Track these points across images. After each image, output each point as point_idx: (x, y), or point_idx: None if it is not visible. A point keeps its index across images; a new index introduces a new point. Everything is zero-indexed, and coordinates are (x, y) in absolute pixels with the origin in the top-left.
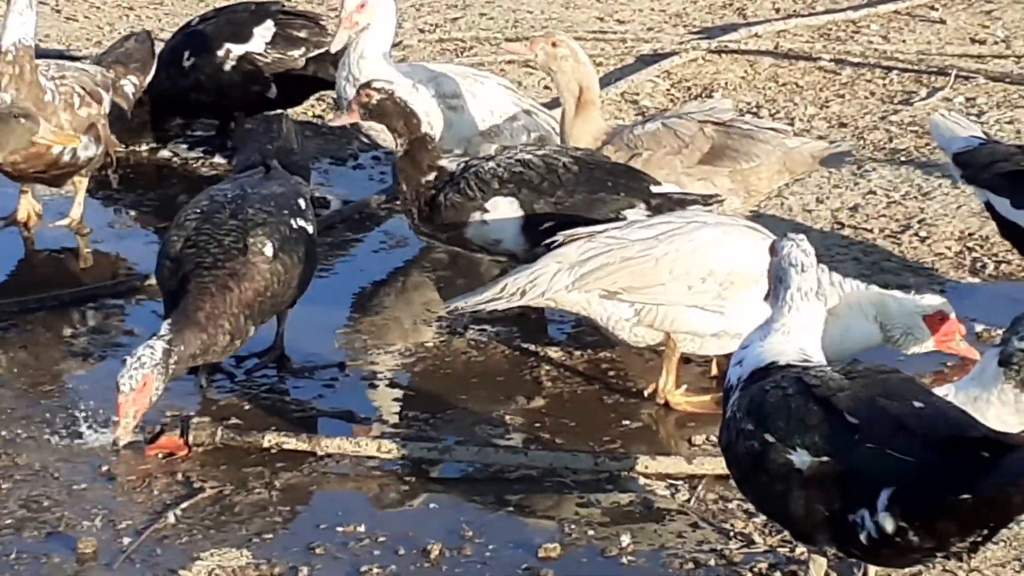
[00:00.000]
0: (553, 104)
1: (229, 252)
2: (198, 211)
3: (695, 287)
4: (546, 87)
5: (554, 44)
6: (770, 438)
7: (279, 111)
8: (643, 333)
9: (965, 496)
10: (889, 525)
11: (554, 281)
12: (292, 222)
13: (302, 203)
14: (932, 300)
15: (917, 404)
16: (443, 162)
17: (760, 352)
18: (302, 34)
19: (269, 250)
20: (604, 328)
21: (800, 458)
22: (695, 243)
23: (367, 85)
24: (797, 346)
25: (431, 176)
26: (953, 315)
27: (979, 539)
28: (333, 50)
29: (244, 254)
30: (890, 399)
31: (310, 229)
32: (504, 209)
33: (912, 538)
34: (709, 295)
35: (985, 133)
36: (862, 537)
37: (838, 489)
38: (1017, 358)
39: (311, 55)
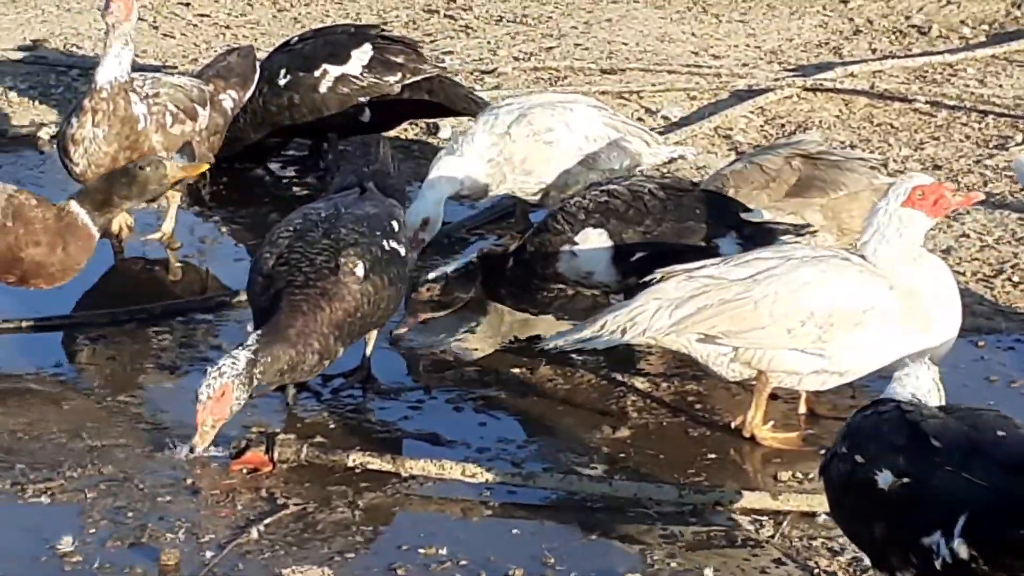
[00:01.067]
0: None
1: (321, 271)
2: (291, 229)
3: (795, 330)
4: (639, 119)
5: None
6: (860, 459)
7: (377, 134)
8: (741, 369)
9: None
10: (963, 552)
11: (654, 320)
12: (384, 243)
13: (395, 225)
14: (901, 185)
15: (1001, 433)
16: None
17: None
18: (399, 59)
19: (360, 270)
20: (701, 364)
21: (884, 478)
22: (794, 284)
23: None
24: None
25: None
26: (926, 181)
27: None
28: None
29: (336, 274)
30: (978, 429)
31: (402, 251)
32: (593, 240)
33: (984, 567)
34: (809, 338)
35: None
36: (937, 563)
37: (916, 511)
38: None
39: (407, 82)
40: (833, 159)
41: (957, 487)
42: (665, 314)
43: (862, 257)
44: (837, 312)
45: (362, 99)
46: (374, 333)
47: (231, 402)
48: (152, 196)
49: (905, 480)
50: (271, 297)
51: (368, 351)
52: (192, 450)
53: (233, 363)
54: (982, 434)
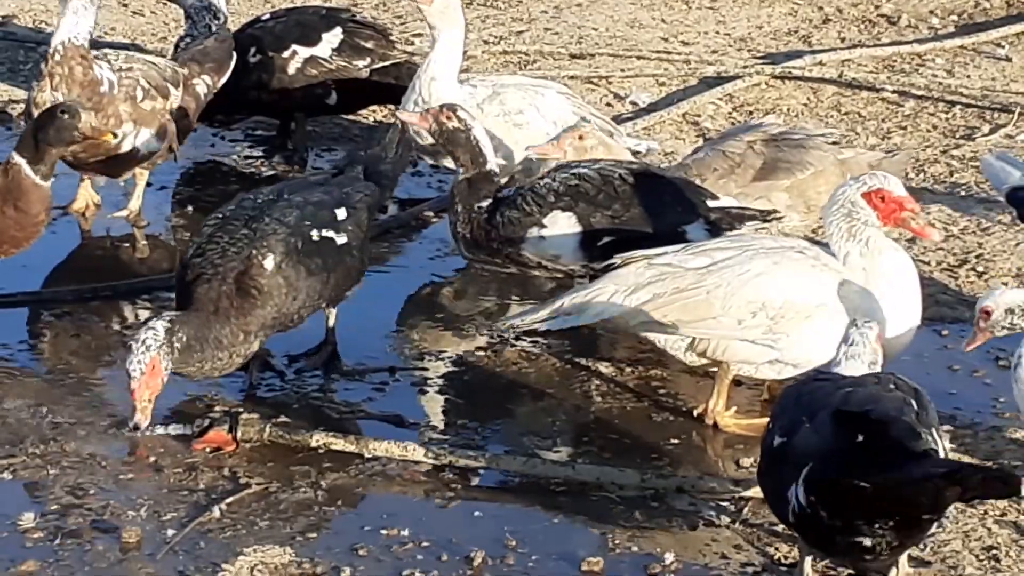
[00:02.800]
0: (617, 119)
1: (230, 264)
2: (219, 216)
3: (746, 321)
4: (608, 104)
5: (581, 138)
6: (770, 425)
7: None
8: (697, 358)
9: (860, 483)
10: (803, 498)
11: (609, 303)
12: (313, 232)
13: (340, 213)
14: (867, 180)
15: (860, 390)
16: (500, 192)
17: None
18: (368, 44)
19: (270, 263)
20: (659, 348)
21: (773, 438)
22: (745, 276)
23: (453, 108)
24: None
25: (485, 203)
26: (896, 189)
27: (894, 528)
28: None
29: (245, 266)
30: (847, 391)
31: (340, 239)
32: (562, 223)
33: (822, 514)
34: (760, 329)
35: None
36: (790, 512)
37: (785, 467)
38: None
39: (375, 66)
40: (796, 139)
41: (808, 441)
42: (621, 297)
43: (821, 247)
44: (788, 304)
45: (330, 81)
46: (332, 311)
47: (161, 373)
48: (67, 142)
49: (783, 439)
50: (186, 286)
51: (329, 324)
52: (137, 427)
53: (155, 334)
54: (846, 394)
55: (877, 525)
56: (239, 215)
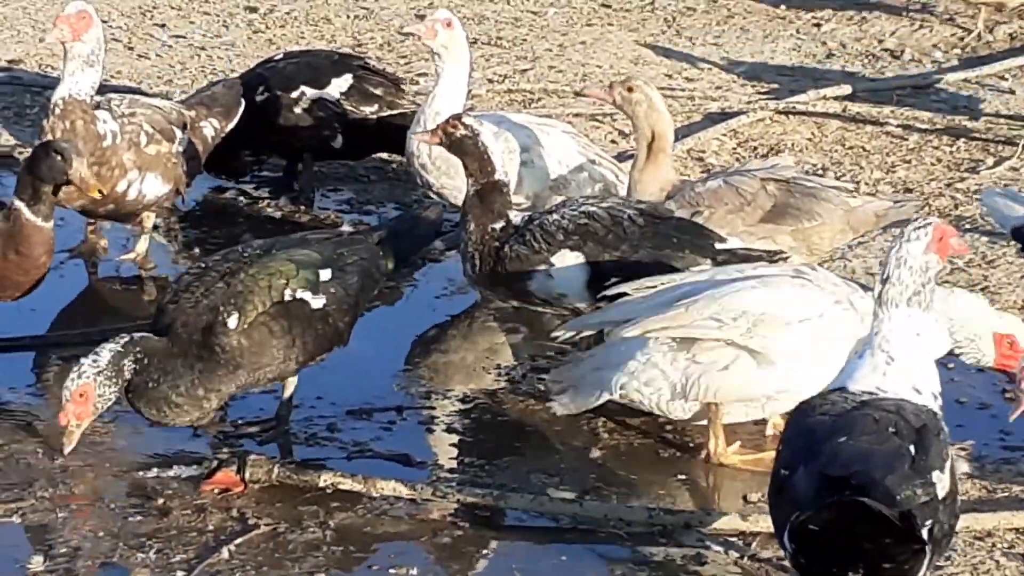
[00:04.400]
0: (622, 156)
1: (200, 319)
2: (200, 267)
3: (725, 324)
4: (612, 141)
5: (630, 89)
6: (779, 449)
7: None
8: (687, 408)
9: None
10: (787, 544)
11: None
12: (286, 293)
13: (324, 274)
14: (1011, 321)
15: (850, 445)
16: (511, 214)
17: None
18: (378, 91)
19: (233, 322)
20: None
21: (779, 469)
22: (727, 289)
23: (458, 116)
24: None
25: (499, 224)
26: (1023, 343)
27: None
28: (404, 31)
29: (210, 322)
30: (832, 430)
31: (316, 303)
32: (570, 262)
33: (802, 562)
34: (739, 330)
35: None
36: (787, 555)
37: (783, 505)
38: None
39: (383, 114)
40: (809, 187)
41: (796, 490)
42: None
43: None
44: (769, 312)
45: (336, 125)
46: (290, 382)
47: (93, 400)
48: (57, 182)
49: (786, 472)
50: (159, 331)
51: (284, 395)
52: (62, 452)
53: (95, 360)
54: (827, 436)
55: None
56: (217, 266)
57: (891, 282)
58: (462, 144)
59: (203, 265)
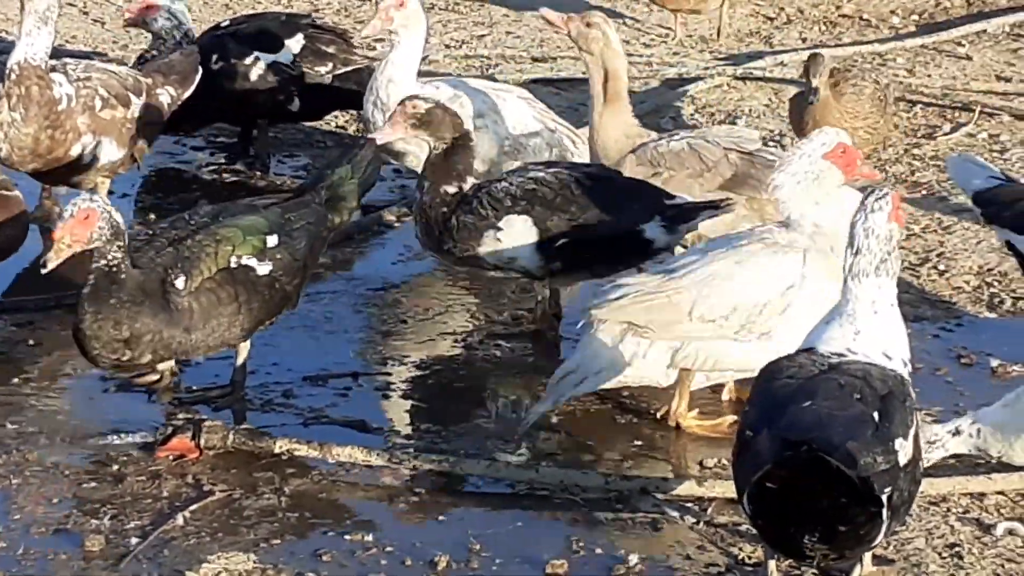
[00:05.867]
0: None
1: (154, 275)
2: (148, 233)
3: (719, 323)
4: (570, 107)
5: (588, 24)
6: (746, 409)
7: (370, 139)
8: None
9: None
10: (747, 507)
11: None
12: (232, 260)
13: (271, 240)
14: (825, 136)
15: (812, 409)
16: (467, 181)
17: None
18: (330, 50)
19: (181, 283)
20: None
21: (744, 429)
22: (710, 280)
23: (412, 98)
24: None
25: (452, 189)
26: (849, 141)
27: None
28: (363, 35)
29: (163, 280)
30: (806, 395)
31: (262, 269)
32: (518, 227)
33: (760, 523)
34: (733, 328)
35: (1004, 173)
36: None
37: (744, 466)
38: None
39: (337, 72)
40: (770, 159)
41: (758, 453)
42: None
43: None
44: (763, 301)
45: (292, 88)
46: (243, 348)
47: (93, 228)
48: None
49: (750, 434)
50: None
51: (237, 362)
52: (44, 265)
53: (105, 205)
54: (791, 401)
55: (810, 540)
56: (167, 234)
57: (861, 253)
58: (431, 116)
59: (150, 232)
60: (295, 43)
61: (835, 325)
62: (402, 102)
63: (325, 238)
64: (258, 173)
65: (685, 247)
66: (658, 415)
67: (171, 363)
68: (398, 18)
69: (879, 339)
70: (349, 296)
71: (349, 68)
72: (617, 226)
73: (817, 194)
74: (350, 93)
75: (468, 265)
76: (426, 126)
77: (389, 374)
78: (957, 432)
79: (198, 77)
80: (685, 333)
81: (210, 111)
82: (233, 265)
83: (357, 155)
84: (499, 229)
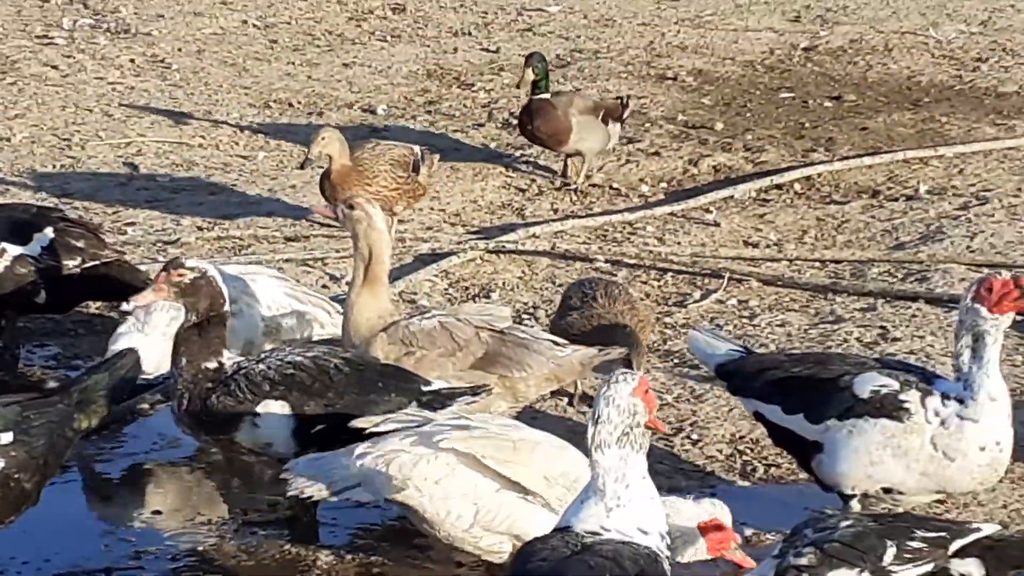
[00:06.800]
0: (335, 299)
1: None
2: None
3: (543, 487)
4: (324, 286)
5: (351, 207)
6: None
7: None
8: (477, 535)
9: None
10: None
11: (405, 462)
12: None
13: (4, 438)
14: (708, 508)
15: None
16: (226, 354)
17: None
18: (79, 243)
19: None
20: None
21: None
22: (552, 441)
23: (177, 264)
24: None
25: (212, 364)
26: (728, 522)
27: None
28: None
29: None
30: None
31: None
32: (275, 411)
33: None
34: (553, 496)
35: (744, 346)
36: None
37: None
38: (791, 574)
39: (86, 265)
40: (521, 338)
41: None
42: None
43: None
44: (581, 477)
45: (39, 280)
46: None
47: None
48: None
49: None
50: None
51: None
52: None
53: None
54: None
55: None
56: None
57: (602, 421)
58: (194, 287)
59: None
60: (44, 237)
61: (590, 503)
62: (166, 266)
63: (71, 439)
64: (8, 365)
65: None
66: None
67: None
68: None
69: (632, 514)
70: (101, 488)
71: (98, 261)
72: (373, 412)
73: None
74: (99, 287)
75: (224, 446)
76: (188, 295)
77: (142, 568)
78: None
79: None
80: (521, 476)
81: None
82: None
83: (117, 363)
84: (256, 414)
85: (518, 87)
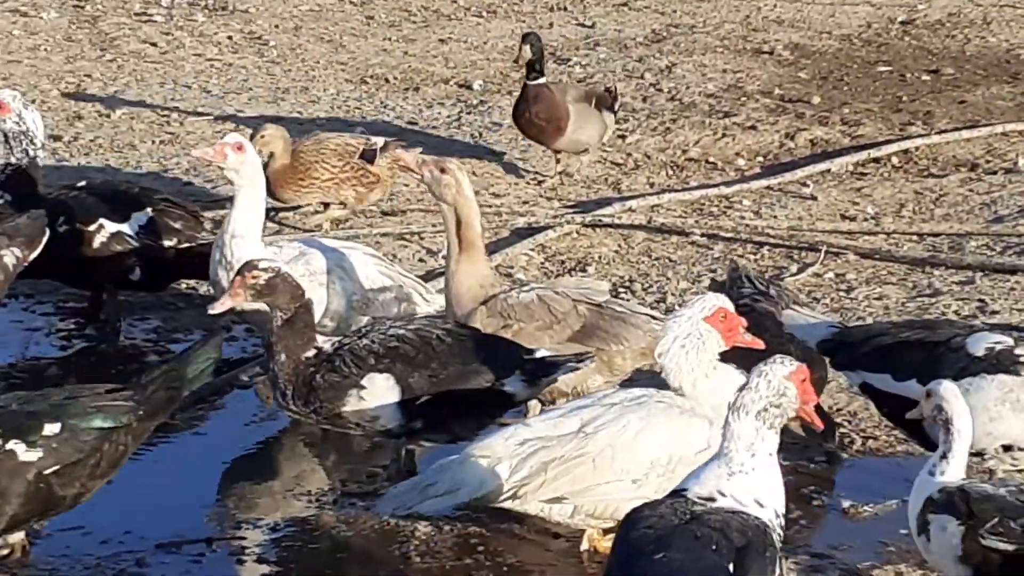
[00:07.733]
0: (430, 274)
1: None
2: None
3: (640, 481)
4: (420, 260)
5: (443, 170)
6: (613, 548)
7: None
8: (583, 521)
9: None
10: None
11: (484, 480)
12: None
13: (50, 428)
14: (709, 300)
15: (665, 560)
16: (320, 339)
17: None
18: (177, 225)
19: None
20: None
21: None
22: (626, 435)
23: (251, 266)
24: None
25: (311, 353)
26: (731, 308)
27: None
28: (194, 155)
29: None
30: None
31: (29, 455)
32: (380, 385)
33: None
34: (652, 486)
35: (840, 322)
36: None
37: None
38: None
39: (182, 247)
40: (619, 311)
41: None
42: (500, 476)
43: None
44: (676, 455)
45: (135, 258)
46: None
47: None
48: None
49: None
50: None
51: None
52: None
53: None
54: (646, 552)
55: None
56: None
57: (749, 388)
58: (271, 287)
59: None
60: (142, 215)
61: (712, 466)
62: (240, 271)
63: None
64: (109, 337)
65: (543, 401)
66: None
67: (21, 535)
68: (232, 160)
69: (753, 483)
70: (202, 459)
71: (194, 244)
72: (478, 382)
73: (700, 360)
74: (194, 267)
75: (331, 422)
76: (266, 296)
77: (243, 538)
78: None
79: (45, 239)
80: (604, 495)
81: (56, 273)
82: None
83: (199, 351)
84: (362, 387)
85: (516, 62)
